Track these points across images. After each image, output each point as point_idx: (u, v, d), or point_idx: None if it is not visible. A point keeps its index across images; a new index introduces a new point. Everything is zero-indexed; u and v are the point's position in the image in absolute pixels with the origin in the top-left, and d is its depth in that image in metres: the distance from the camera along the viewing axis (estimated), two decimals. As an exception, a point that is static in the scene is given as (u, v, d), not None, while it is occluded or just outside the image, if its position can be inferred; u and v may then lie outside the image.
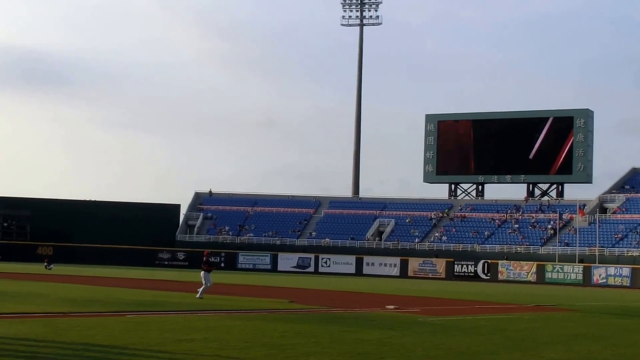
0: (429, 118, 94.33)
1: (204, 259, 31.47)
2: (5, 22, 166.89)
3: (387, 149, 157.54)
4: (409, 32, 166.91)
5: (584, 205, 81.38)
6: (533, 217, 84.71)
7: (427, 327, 21.47)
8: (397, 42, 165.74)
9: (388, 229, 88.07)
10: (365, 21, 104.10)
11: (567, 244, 77.64)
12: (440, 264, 77.88)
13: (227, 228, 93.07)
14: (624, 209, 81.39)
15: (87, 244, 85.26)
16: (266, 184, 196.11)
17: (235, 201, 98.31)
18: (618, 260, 72.91)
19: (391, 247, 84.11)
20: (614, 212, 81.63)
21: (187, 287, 37.91)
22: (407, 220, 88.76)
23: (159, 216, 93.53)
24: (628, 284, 68.06)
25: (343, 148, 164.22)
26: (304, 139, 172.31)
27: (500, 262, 75.43)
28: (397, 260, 79.73)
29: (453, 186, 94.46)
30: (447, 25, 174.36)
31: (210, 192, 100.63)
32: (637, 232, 76.86)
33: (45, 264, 60.98)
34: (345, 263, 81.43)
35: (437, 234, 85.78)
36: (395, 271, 78.64)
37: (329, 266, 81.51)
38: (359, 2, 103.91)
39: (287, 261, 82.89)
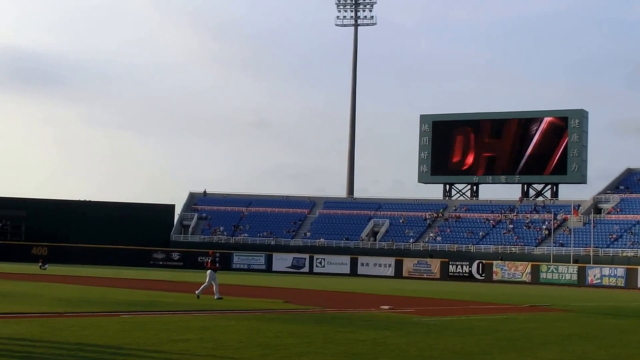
0: (423, 118, 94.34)
1: (210, 258, 31.37)
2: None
3: (382, 149, 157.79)
4: (403, 33, 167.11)
5: (579, 206, 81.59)
6: (528, 218, 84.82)
7: (422, 327, 21.49)
8: (391, 43, 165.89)
9: (383, 229, 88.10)
10: (359, 21, 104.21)
11: (562, 245, 77.75)
12: (434, 264, 77.94)
13: (221, 228, 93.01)
14: (618, 210, 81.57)
15: (82, 244, 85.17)
16: (261, 184, 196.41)
17: (229, 201, 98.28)
18: (612, 261, 73.05)
19: (386, 248, 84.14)
20: (609, 213, 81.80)
21: (182, 287, 37.93)
22: (401, 221, 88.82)
23: (153, 216, 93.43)
24: (622, 285, 68.23)
25: (338, 148, 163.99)
26: (298, 139, 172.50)
27: (494, 262, 75.53)
28: (391, 260, 79.77)
29: (447, 186, 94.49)
30: (442, 26, 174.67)
31: (204, 192, 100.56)
32: (631, 232, 77.03)
33: (40, 264, 60.87)
34: (339, 263, 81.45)
35: (431, 235, 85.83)
36: (390, 271, 78.69)
37: (323, 266, 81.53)
38: (354, 2, 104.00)
39: (281, 261, 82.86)
